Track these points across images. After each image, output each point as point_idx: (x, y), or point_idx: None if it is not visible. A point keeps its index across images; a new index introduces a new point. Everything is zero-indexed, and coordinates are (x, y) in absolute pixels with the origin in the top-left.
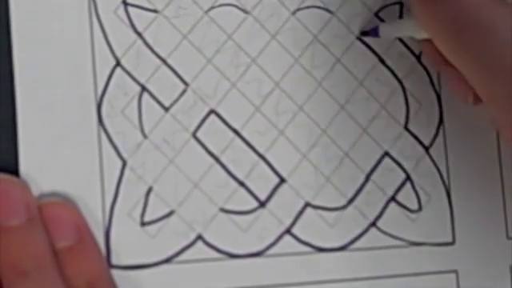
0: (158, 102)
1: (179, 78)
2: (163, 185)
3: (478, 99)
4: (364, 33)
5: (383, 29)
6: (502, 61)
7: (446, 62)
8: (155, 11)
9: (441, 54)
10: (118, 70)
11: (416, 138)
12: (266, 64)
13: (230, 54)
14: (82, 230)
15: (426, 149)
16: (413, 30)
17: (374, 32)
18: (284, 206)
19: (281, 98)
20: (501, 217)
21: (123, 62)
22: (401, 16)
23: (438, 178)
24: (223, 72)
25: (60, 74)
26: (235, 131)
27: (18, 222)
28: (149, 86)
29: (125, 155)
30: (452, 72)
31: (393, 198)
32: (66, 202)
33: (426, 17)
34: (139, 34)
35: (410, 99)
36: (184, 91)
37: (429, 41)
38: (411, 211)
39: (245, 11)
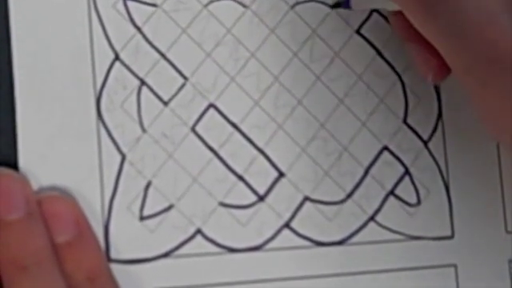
0: (157, 96)
1: (178, 72)
2: (162, 179)
3: (436, 78)
4: (336, 4)
5: (355, 0)
6: (475, 28)
7: (415, 37)
8: (154, 5)
9: (410, 28)
10: (117, 64)
11: (415, 132)
12: (265, 58)
13: (229, 48)
14: (82, 224)
15: (425, 143)
16: (384, 1)
17: (346, 3)
18: (283, 200)
19: (280, 92)
20: (499, 211)
21: (122, 55)
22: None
23: (437, 172)
24: (222, 66)
25: (59, 67)
26: (234, 125)
27: (17, 216)
28: (148, 80)
29: (124, 149)
30: (416, 48)
31: (391, 192)
32: (65, 197)
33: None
34: (138, 28)
35: (409, 93)
36: (183, 85)
37: (399, 13)
38: (410, 205)
39: (243, 5)
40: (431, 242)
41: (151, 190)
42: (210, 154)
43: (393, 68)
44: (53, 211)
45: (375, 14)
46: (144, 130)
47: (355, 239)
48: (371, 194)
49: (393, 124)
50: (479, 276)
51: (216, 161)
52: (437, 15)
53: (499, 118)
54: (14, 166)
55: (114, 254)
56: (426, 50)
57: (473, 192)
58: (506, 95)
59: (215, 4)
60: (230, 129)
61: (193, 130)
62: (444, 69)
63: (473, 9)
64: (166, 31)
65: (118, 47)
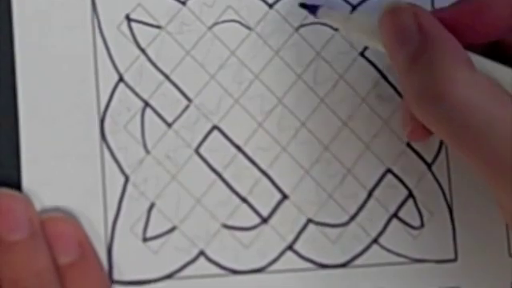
0: (161, 117)
1: (182, 93)
2: (165, 201)
3: (411, 137)
4: (302, 4)
5: (323, 13)
6: (504, 158)
7: None
8: (158, 27)
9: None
10: (121, 86)
11: (418, 154)
12: (269, 80)
13: (233, 70)
14: (84, 245)
15: (429, 166)
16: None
17: (312, 9)
18: (286, 222)
19: (283, 115)
20: (503, 234)
21: (126, 77)
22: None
23: (441, 195)
24: (226, 88)
25: (63, 89)
26: (238, 147)
27: (20, 236)
28: (152, 102)
29: (127, 171)
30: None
31: (395, 215)
32: (69, 218)
33: (422, 115)
34: (142, 50)
35: None
36: (187, 107)
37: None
38: (413, 228)
39: (248, 27)
40: (434, 265)
41: (154, 212)
42: (213, 176)
43: (397, 91)
44: (56, 232)
45: None
46: (148, 152)
47: (358, 262)
48: (374, 217)
49: (396, 147)
50: None
51: (219, 183)
52: (464, 146)
53: None
54: (17, 186)
55: (116, 275)
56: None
57: (476, 215)
58: None
59: (219, 26)
60: (234, 151)
61: (196, 151)
62: (422, 133)
63: (501, 131)
64: (170, 53)
65: (122, 69)
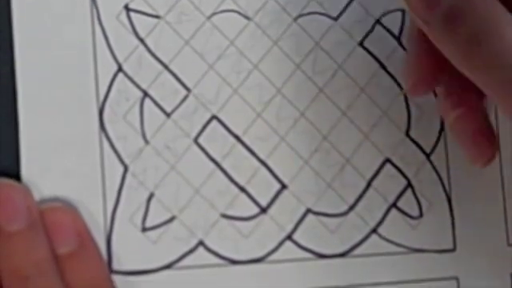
0: (160, 107)
1: (181, 83)
2: (164, 190)
3: (414, 91)
4: None
5: None
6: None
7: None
8: (157, 17)
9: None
10: (120, 76)
11: (417, 144)
12: (268, 70)
13: (232, 60)
14: (84, 235)
15: (427, 156)
16: None
17: None
18: (285, 212)
19: (282, 104)
20: (501, 223)
21: (125, 67)
22: (403, 23)
23: (439, 185)
24: (225, 78)
25: (62, 79)
26: (236, 137)
27: (19, 226)
28: (151, 92)
29: (126, 161)
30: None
31: (394, 205)
32: (68, 208)
33: (469, 67)
34: (141, 40)
35: (412, 106)
36: (186, 97)
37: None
38: (412, 218)
39: (247, 17)
40: (433, 255)
41: (153, 202)
42: (212, 166)
43: (396, 81)
44: (55, 222)
45: (378, 27)
46: (146, 142)
47: (357, 251)
48: (373, 207)
49: (395, 136)
50: None
51: (218, 172)
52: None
53: None
54: (16, 176)
55: (116, 266)
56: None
57: (475, 205)
58: None
59: (218, 16)
60: (233, 140)
61: (195, 141)
62: (424, 86)
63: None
64: (168, 43)
65: (120, 59)
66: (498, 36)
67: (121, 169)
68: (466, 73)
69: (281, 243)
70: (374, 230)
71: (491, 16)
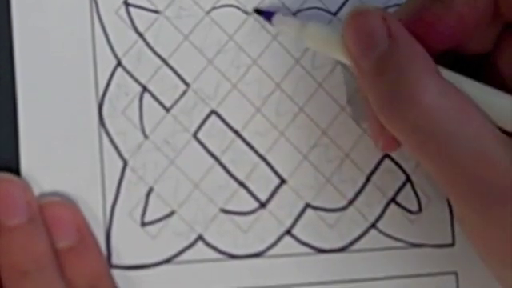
0: (159, 102)
1: (180, 78)
2: (164, 185)
3: (387, 148)
4: (258, 11)
5: (276, 19)
6: (468, 162)
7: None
8: (156, 12)
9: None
10: (119, 71)
11: None
12: (267, 65)
13: (231, 54)
14: (83, 230)
15: None
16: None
17: (267, 15)
18: (284, 206)
19: (281, 99)
20: None
21: (124, 62)
22: None
23: None
24: (224, 73)
25: (61, 73)
26: (236, 132)
27: (18, 221)
28: (150, 87)
29: (126, 155)
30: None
31: (393, 200)
32: (67, 202)
33: (388, 122)
34: (140, 35)
35: None
36: (185, 92)
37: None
38: (411, 213)
39: (246, 12)
40: (432, 250)
41: (153, 197)
42: (211, 161)
43: None
44: (54, 216)
45: None
46: (146, 137)
47: (356, 246)
48: (372, 201)
49: None
50: (480, 284)
51: (217, 167)
52: (429, 156)
53: (498, 250)
54: (15, 171)
55: (115, 260)
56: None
57: None
58: (502, 225)
59: (217, 11)
60: (232, 135)
61: (194, 136)
62: (396, 143)
63: (465, 143)
64: (168, 38)
65: (120, 53)
66: (414, 102)
67: (120, 163)
68: (383, 123)
69: (280, 238)
70: (373, 225)
71: (412, 80)
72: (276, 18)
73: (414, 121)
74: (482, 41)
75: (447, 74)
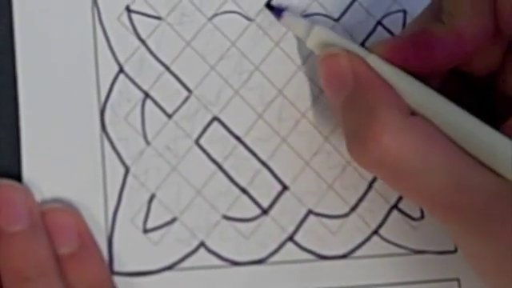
0: (161, 108)
1: (182, 84)
2: (166, 192)
3: None
4: (269, 6)
5: (286, 20)
6: (439, 203)
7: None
8: (159, 18)
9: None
10: (122, 77)
11: None
12: (269, 71)
13: (234, 61)
14: (85, 236)
15: None
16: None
17: (277, 12)
18: (286, 213)
19: (283, 105)
20: None
21: (126, 68)
22: (404, 24)
23: None
24: (226, 79)
25: (63, 80)
26: (238, 138)
27: (20, 227)
28: (152, 93)
29: (128, 162)
30: None
31: (395, 206)
32: (69, 209)
33: (355, 158)
34: (142, 41)
35: None
36: (187, 98)
37: None
38: (413, 219)
39: (248, 18)
40: (434, 256)
41: (155, 203)
42: (213, 167)
43: None
44: (56, 223)
45: (380, 28)
46: (148, 143)
47: (359, 253)
48: (375, 208)
49: None
50: None
51: (220, 174)
52: (400, 189)
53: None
54: (17, 178)
55: (117, 267)
56: None
57: None
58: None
59: (219, 17)
60: (234, 142)
61: (196, 142)
62: None
63: (433, 177)
64: (170, 44)
65: (122, 60)
66: (375, 141)
67: (122, 170)
68: (352, 158)
69: (282, 244)
70: (376, 232)
71: (372, 119)
72: (286, 15)
73: (379, 158)
74: (487, 60)
75: (436, 100)
